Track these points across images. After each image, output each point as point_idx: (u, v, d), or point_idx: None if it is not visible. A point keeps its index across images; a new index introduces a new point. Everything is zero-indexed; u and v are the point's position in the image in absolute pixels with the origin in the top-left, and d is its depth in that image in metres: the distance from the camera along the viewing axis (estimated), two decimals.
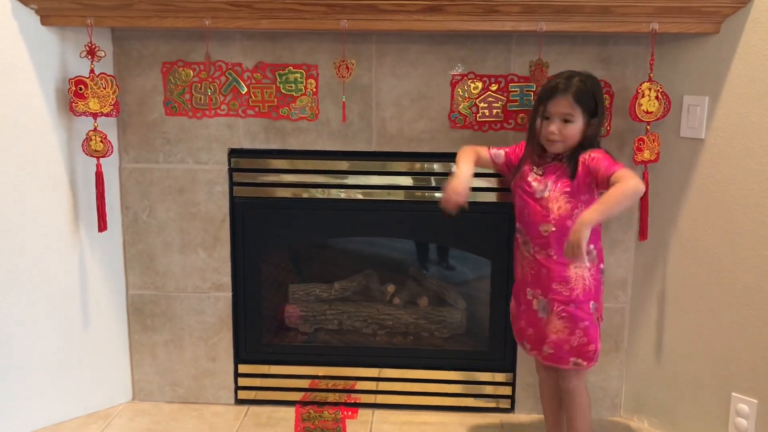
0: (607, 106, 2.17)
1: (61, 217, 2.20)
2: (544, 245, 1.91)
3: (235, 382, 2.43)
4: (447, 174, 2.27)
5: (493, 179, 2.23)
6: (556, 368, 1.98)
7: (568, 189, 1.89)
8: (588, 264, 1.89)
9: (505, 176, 2.06)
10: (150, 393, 2.44)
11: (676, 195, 2.15)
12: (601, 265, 1.97)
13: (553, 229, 1.89)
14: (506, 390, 2.40)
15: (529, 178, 1.94)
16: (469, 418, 2.36)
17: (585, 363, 1.93)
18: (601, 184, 1.85)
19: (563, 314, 1.91)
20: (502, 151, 2.04)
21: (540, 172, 1.93)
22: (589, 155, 1.88)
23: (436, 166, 2.27)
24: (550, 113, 1.88)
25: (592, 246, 1.90)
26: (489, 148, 2.05)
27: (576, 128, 1.87)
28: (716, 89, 2.02)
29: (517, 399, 2.38)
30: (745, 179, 1.99)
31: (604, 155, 1.88)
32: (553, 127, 1.87)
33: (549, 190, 1.90)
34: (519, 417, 2.33)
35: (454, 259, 2.75)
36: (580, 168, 1.88)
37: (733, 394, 2.08)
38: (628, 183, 1.78)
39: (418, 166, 2.27)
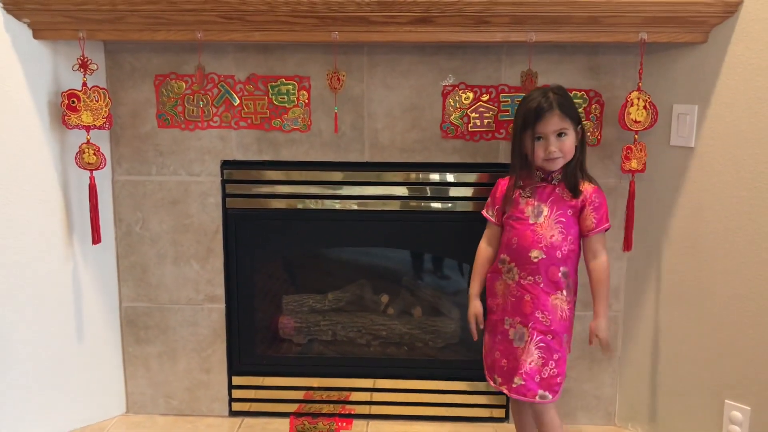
0: (597, 115, 2.19)
1: (55, 230, 2.20)
2: (532, 272, 1.90)
3: (229, 393, 2.43)
4: (441, 184, 2.29)
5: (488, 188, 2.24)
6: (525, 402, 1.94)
7: (563, 219, 1.90)
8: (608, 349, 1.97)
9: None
10: (144, 405, 2.44)
11: (667, 203, 2.16)
12: (575, 297, 1.97)
13: (544, 256, 1.89)
14: (500, 399, 2.40)
15: (521, 205, 1.94)
16: (463, 427, 2.36)
17: (551, 396, 1.90)
18: (582, 230, 1.92)
19: (541, 344, 1.90)
20: (490, 209, 2.03)
21: (529, 194, 1.93)
22: (592, 195, 1.91)
23: (431, 176, 2.28)
24: (543, 133, 1.86)
25: (570, 279, 1.93)
26: (486, 218, 2.04)
27: (572, 140, 1.88)
28: (705, 98, 2.03)
29: (511, 408, 2.38)
30: (735, 187, 2.00)
31: (602, 202, 1.92)
32: (553, 147, 1.85)
33: (544, 216, 1.90)
34: (512, 426, 2.32)
35: (448, 269, 2.75)
36: (581, 203, 1.90)
37: (726, 401, 2.09)
38: (605, 264, 1.94)
39: (413, 176, 2.28)
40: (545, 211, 1.91)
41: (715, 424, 2.12)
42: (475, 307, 2.04)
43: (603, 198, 1.93)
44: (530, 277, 1.91)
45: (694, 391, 2.16)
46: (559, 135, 1.86)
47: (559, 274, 1.90)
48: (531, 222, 1.91)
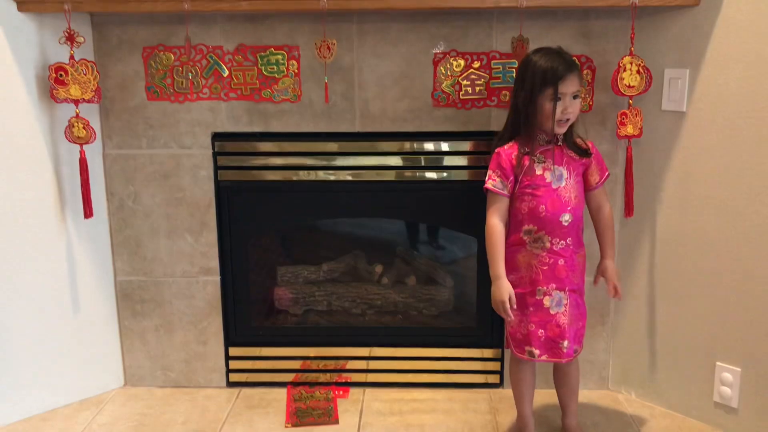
0: (589, 81, 2.17)
1: (47, 205, 2.19)
2: (563, 235, 1.91)
3: (226, 365, 2.45)
4: (434, 153, 2.28)
5: (480, 156, 2.24)
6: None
7: (579, 178, 1.94)
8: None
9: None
10: (141, 378, 2.46)
11: (659, 168, 2.16)
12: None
13: (572, 218, 1.91)
14: (495, 366, 2.42)
15: (538, 171, 1.90)
16: (458, 393, 2.38)
17: (580, 348, 2.00)
18: (590, 184, 1.97)
19: (574, 303, 1.95)
20: (499, 181, 1.91)
21: (542, 159, 1.90)
22: (593, 148, 1.97)
23: (425, 146, 2.27)
24: (563, 93, 1.84)
25: (582, 227, 1.98)
26: (496, 192, 1.91)
27: (580, 104, 1.90)
28: (696, 61, 2.02)
29: (505, 374, 2.41)
30: (726, 150, 2.00)
31: (598, 152, 2.00)
32: (571, 108, 1.85)
33: (565, 179, 1.90)
34: (507, 392, 2.35)
35: (442, 239, 2.76)
36: (592, 158, 1.96)
37: (717, 363, 2.11)
38: (611, 211, 2.03)
39: (407, 146, 2.27)
40: (565, 173, 1.91)
41: (707, 385, 2.15)
42: (507, 287, 1.90)
43: (596, 148, 2.01)
44: (562, 242, 1.91)
45: (686, 355, 2.19)
46: (574, 97, 1.86)
47: (581, 230, 1.96)
48: (554, 187, 1.90)
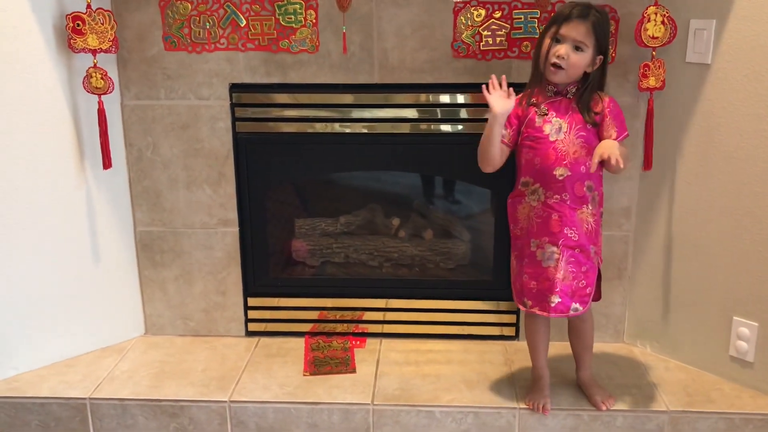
0: (612, 32, 2.12)
1: (66, 155, 2.20)
2: (558, 190, 1.89)
3: (245, 314, 2.48)
4: (452, 105, 2.26)
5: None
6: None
7: (584, 133, 1.88)
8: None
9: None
10: (162, 327, 2.50)
11: (682, 121, 2.13)
12: (601, 209, 1.99)
13: (569, 173, 1.87)
14: (510, 318, 2.44)
15: (537, 123, 1.90)
16: (473, 345, 2.41)
17: (582, 308, 1.95)
18: (602, 137, 1.90)
19: (571, 259, 1.91)
20: (506, 131, 1.93)
21: (545, 111, 1.89)
22: (610, 104, 1.90)
23: (442, 98, 2.25)
24: (563, 36, 1.82)
25: (595, 192, 1.93)
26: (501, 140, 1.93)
27: (584, 59, 1.84)
28: (723, 12, 1.97)
29: (520, 327, 2.42)
30: (751, 104, 1.97)
31: (620, 110, 1.92)
32: (563, 50, 1.81)
33: (563, 132, 1.88)
34: (523, 344, 2.37)
35: (459, 193, 2.75)
36: (599, 117, 1.88)
37: (734, 318, 2.12)
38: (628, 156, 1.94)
39: (423, 98, 2.25)
40: (564, 126, 1.88)
41: (723, 340, 2.15)
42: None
43: (618, 106, 1.93)
44: (556, 196, 1.89)
45: (703, 309, 2.19)
46: (576, 48, 1.82)
47: (584, 188, 1.91)
48: (552, 140, 1.88)
